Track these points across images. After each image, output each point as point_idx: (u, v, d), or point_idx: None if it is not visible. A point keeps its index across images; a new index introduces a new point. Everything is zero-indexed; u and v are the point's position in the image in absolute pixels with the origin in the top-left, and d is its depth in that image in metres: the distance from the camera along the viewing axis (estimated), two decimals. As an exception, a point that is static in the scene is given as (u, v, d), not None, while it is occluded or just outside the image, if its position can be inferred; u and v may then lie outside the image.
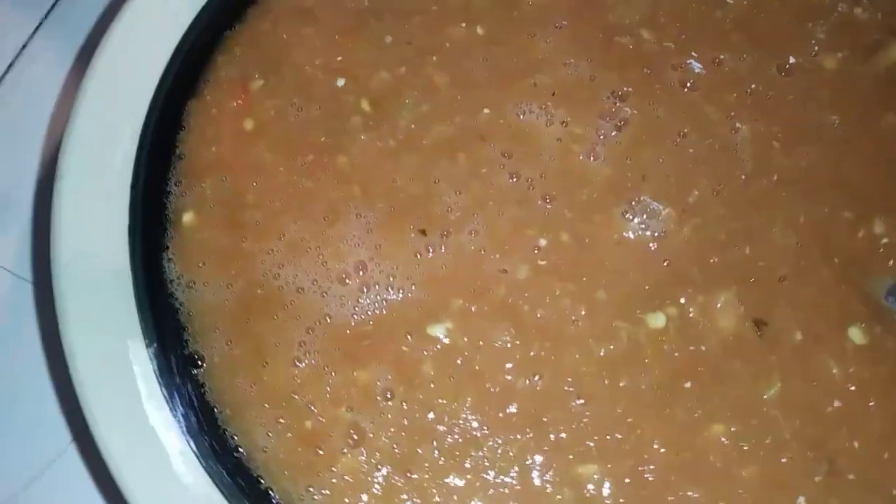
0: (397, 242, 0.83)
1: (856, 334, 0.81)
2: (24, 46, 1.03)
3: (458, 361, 0.80)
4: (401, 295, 0.81)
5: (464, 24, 0.90)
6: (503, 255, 0.83)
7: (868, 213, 0.85)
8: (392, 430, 0.78)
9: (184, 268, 0.82)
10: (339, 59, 0.89)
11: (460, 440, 0.78)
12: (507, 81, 0.88)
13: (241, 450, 0.78)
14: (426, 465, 0.78)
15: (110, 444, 0.74)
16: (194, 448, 0.76)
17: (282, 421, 0.78)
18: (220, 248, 0.83)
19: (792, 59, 0.89)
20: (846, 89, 0.89)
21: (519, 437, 0.78)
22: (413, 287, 0.82)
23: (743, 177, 0.85)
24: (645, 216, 0.84)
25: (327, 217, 0.84)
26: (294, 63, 0.89)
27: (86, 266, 0.78)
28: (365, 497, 0.77)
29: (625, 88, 0.88)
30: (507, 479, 0.77)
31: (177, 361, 0.79)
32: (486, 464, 0.78)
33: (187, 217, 0.84)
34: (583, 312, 0.81)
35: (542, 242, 0.83)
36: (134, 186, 0.82)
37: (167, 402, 0.77)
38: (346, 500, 0.77)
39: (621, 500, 0.77)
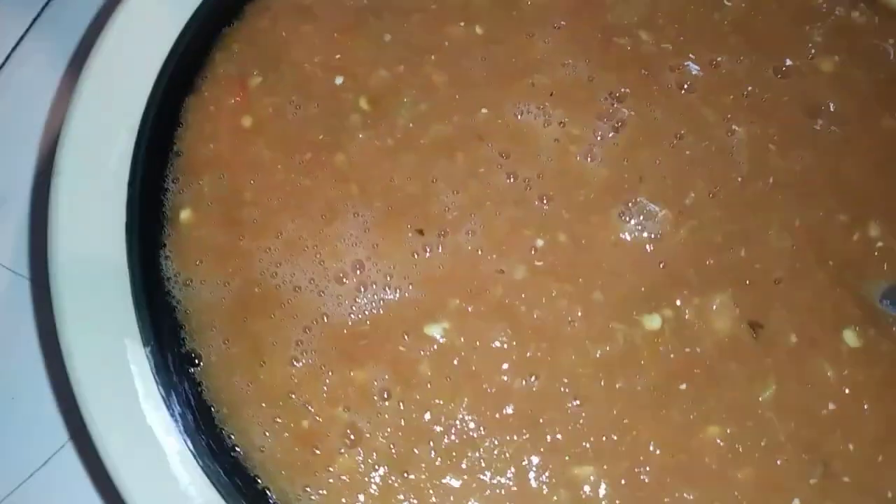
0: (395, 242, 0.83)
1: (850, 337, 0.82)
2: (18, 42, 1.02)
3: (455, 362, 0.80)
4: (398, 294, 0.82)
5: (463, 24, 0.90)
6: (500, 256, 0.83)
7: (863, 217, 0.85)
8: (389, 430, 0.78)
9: (181, 265, 0.82)
10: (338, 56, 0.89)
11: (457, 441, 0.78)
12: (505, 81, 0.88)
13: (238, 449, 0.78)
14: (423, 465, 0.78)
15: (107, 443, 0.74)
16: (191, 447, 0.76)
17: (279, 420, 0.78)
18: (217, 245, 0.83)
19: (789, 62, 0.90)
20: (843, 92, 0.89)
21: (515, 437, 0.78)
22: (410, 287, 0.82)
23: (739, 179, 0.86)
24: (642, 217, 0.84)
25: (325, 215, 0.84)
26: (293, 60, 0.89)
27: (83, 264, 0.78)
28: (362, 497, 0.77)
29: (622, 90, 0.88)
30: (504, 480, 0.77)
31: (174, 360, 0.79)
32: (483, 464, 0.78)
33: (185, 214, 0.84)
34: (579, 313, 0.81)
35: (539, 243, 0.83)
36: (131, 183, 0.82)
37: (164, 400, 0.77)
38: (343, 501, 0.77)
39: (617, 502, 0.77)
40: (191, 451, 0.76)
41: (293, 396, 0.79)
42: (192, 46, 0.87)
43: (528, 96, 0.88)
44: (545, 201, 0.84)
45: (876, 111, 0.89)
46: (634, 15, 0.91)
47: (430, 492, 0.77)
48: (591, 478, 0.77)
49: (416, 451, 0.78)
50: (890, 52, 0.91)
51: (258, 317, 0.81)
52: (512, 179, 0.85)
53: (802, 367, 0.81)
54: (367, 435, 0.78)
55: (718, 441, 0.78)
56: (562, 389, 0.79)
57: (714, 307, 0.82)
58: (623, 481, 0.78)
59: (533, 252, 0.83)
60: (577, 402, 0.79)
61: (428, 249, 0.83)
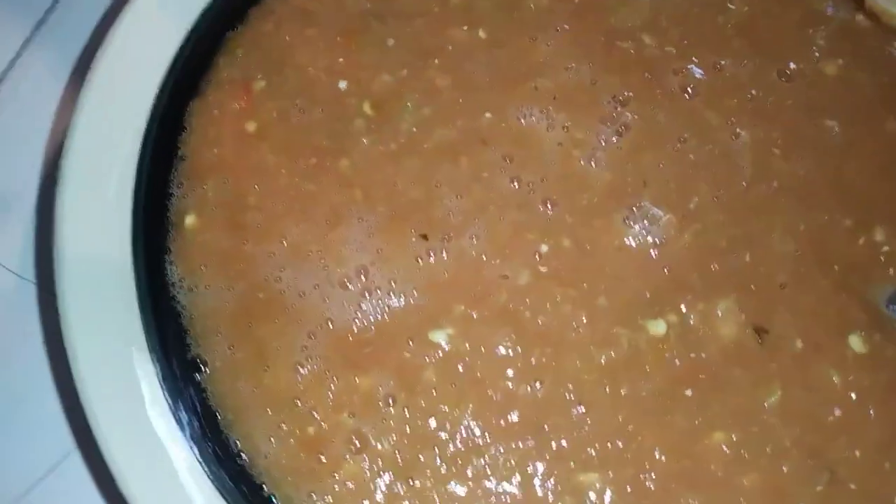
0: (399, 247, 0.83)
1: (856, 342, 0.82)
2: (24, 46, 1.02)
3: (460, 368, 0.80)
4: (402, 300, 0.81)
5: (466, 27, 0.90)
6: (504, 261, 0.83)
7: (868, 221, 0.85)
8: (394, 436, 0.78)
9: (185, 271, 0.82)
10: (342, 61, 0.89)
11: (462, 447, 0.78)
12: (508, 85, 0.88)
13: (243, 455, 0.78)
14: (428, 472, 0.78)
15: (113, 449, 0.74)
16: (197, 454, 0.76)
17: (284, 426, 0.78)
18: (221, 250, 0.83)
19: (793, 65, 0.90)
20: (847, 96, 0.89)
21: (520, 444, 0.78)
22: (414, 292, 0.82)
23: (743, 183, 0.86)
24: (645, 222, 0.84)
25: (329, 220, 0.83)
26: (296, 65, 0.89)
27: (88, 269, 0.78)
28: (367, 503, 0.77)
29: (626, 93, 0.88)
30: (509, 487, 0.77)
31: (179, 366, 0.79)
32: (488, 471, 0.78)
33: (189, 219, 0.84)
34: (584, 319, 0.81)
35: (543, 248, 0.83)
36: (136, 189, 0.82)
37: (170, 406, 0.77)
38: (348, 507, 0.77)
39: (622, 509, 0.78)
40: (196, 458, 0.76)
41: (298, 402, 0.79)
42: (196, 51, 0.87)
43: (532, 100, 0.87)
44: (549, 205, 0.84)
45: (880, 114, 0.89)
46: (638, 18, 0.91)
47: (435, 498, 0.77)
48: (597, 484, 0.77)
49: (421, 457, 0.78)
50: (894, 55, 0.91)
51: (263, 322, 0.81)
52: (515, 184, 0.85)
53: (808, 373, 0.81)
54: (373, 441, 0.78)
55: (723, 447, 0.78)
56: (566, 396, 0.79)
57: (719, 312, 0.82)
58: (628, 488, 0.78)
59: (537, 257, 0.83)
60: (582, 408, 0.79)
61: (432, 254, 0.82)
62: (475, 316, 0.81)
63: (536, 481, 0.78)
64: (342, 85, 0.88)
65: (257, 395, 0.79)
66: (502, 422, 0.79)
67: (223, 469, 0.77)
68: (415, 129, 0.87)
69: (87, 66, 0.84)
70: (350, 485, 0.77)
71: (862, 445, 0.79)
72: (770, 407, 0.80)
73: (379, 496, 0.77)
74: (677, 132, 0.87)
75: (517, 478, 0.78)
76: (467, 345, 0.81)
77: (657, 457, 0.78)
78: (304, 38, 0.90)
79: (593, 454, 0.78)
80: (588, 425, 0.79)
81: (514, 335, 0.81)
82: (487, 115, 0.87)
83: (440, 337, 0.81)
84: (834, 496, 0.78)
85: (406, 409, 0.79)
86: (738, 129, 0.87)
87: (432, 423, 0.79)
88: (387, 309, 0.81)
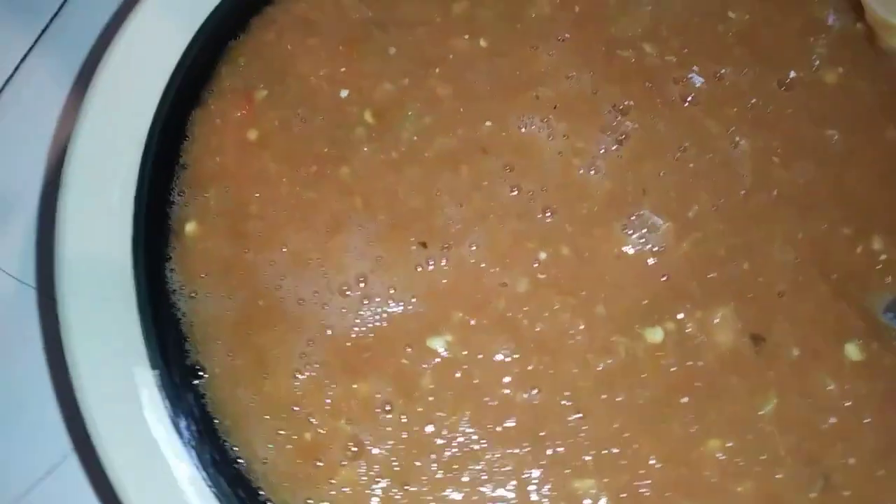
0: (398, 255, 0.83)
1: (853, 350, 0.82)
2: (25, 55, 1.03)
3: (458, 374, 0.80)
4: (401, 307, 0.82)
5: (467, 36, 0.90)
6: (503, 269, 0.83)
7: (867, 230, 0.85)
8: (391, 442, 0.79)
9: (186, 278, 0.83)
10: (343, 70, 0.89)
11: (458, 453, 0.78)
12: (509, 94, 0.88)
13: (240, 461, 0.79)
14: (424, 478, 0.78)
15: (111, 454, 0.75)
16: (195, 458, 0.77)
17: (282, 432, 0.79)
18: (222, 258, 0.84)
19: (793, 74, 0.90)
20: (846, 104, 0.89)
21: (517, 450, 0.79)
22: (413, 299, 0.82)
23: (742, 192, 0.86)
24: (645, 230, 0.84)
25: (329, 228, 0.84)
26: (298, 73, 0.89)
27: (89, 276, 0.79)
28: (364, 509, 0.78)
29: (626, 102, 0.88)
30: (505, 493, 0.78)
31: (178, 372, 0.80)
32: (484, 477, 0.78)
33: (190, 227, 0.84)
34: (581, 327, 0.82)
35: (542, 256, 0.83)
36: (138, 195, 0.82)
37: (168, 412, 0.77)
38: (345, 513, 0.78)
39: (617, 515, 0.78)
40: (194, 463, 0.77)
41: (296, 409, 0.79)
42: (198, 60, 0.88)
43: (532, 109, 0.88)
44: (548, 214, 0.84)
45: (880, 123, 0.89)
46: (638, 27, 0.91)
47: (432, 504, 0.78)
48: (592, 491, 0.78)
49: (417, 463, 0.78)
50: (893, 62, 0.91)
51: (262, 329, 0.82)
52: (515, 192, 0.85)
53: (804, 381, 0.81)
54: (370, 447, 0.79)
55: (719, 454, 0.79)
56: (563, 402, 0.80)
57: (716, 320, 0.82)
58: (623, 495, 0.78)
59: (536, 265, 0.83)
60: (579, 415, 0.80)
61: (431, 262, 0.83)
62: (473, 323, 0.82)
63: (532, 487, 0.78)
64: (343, 93, 0.88)
65: (256, 402, 0.80)
66: (499, 428, 0.79)
67: (221, 474, 0.77)
68: (415, 138, 0.87)
69: (90, 74, 0.84)
70: (347, 490, 0.78)
71: (857, 453, 0.79)
72: (766, 415, 0.80)
73: (375, 501, 0.78)
74: (677, 141, 0.87)
75: (513, 484, 0.78)
76: (465, 352, 0.81)
77: (653, 464, 0.78)
78: (305, 47, 0.90)
79: (589, 461, 0.78)
80: (584, 432, 0.79)
81: (512, 342, 0.81)
82: (488, 123, 0.87)
83: (438, 344, 0.81)
84: (828, 503, 0.78)
85: (403, 416, 0.79)
86: (737, 138, 0.87)
87: (429, 429, 0.79)
88: (385, 316, 0.82)
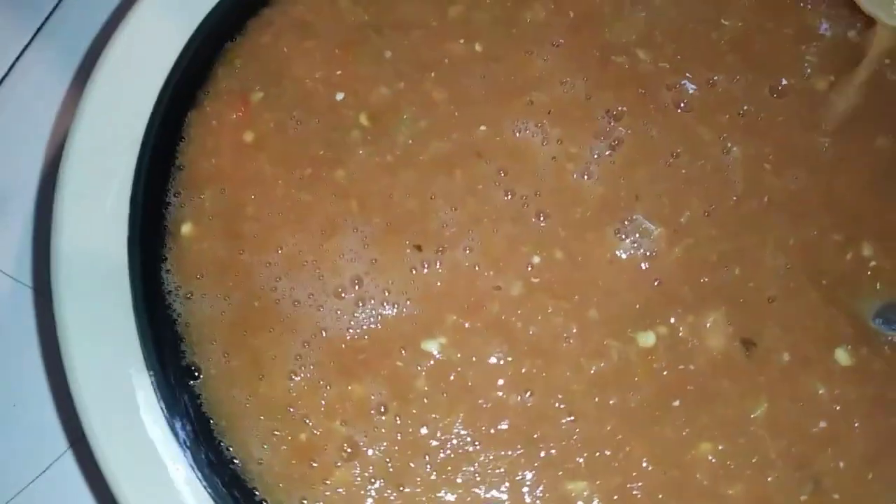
0: (393, 257, 0.84)
1: (842, 356, 0.82)
2: (23, 51, 1.03)
3: (452, 377, 0.81)
4: (396, 310, 0.82)
5: (462, 41, 0.90)
6: (497, 272, 0.84)
7: (857, 236, 0.86)
8: (385, 444, 0.79)
9: (182, 279, 0.83)
10: (339, 72, 0.90)
11: (452, 455, 0.79)
12: (504, 99, 0.89)
13: (236, 461, 0.79)
14: (418, 479, 0.79)
15: (107, 454, 0.75)
16: (190, 459, 0.77)
17: (277, 433, 0.79)
18: (218, 259, 0.84)
19: (784, 81, 0.90)
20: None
21: (510, 452, 0.79)
22: (408, 302, 0.83)
23: (734, 198, 0.86)
24: (637, 235, 0.85)
25: (325, 231, 0.84)
26: (294, 76, 0.89)
27: (85, 276, 0.79)
28: (358, 510, 0.78)
29: (620, 108, 0.88)
30: (498, 495, 0.78)
31: (174, 372, 0.80)
32: (478, 479, 0.79)
33: (186, 228, 0.85)
34: (574, 330, 0.82)
35: (536, 260, 0.84)
36: (134, 196, 0.82)
37: (164, 413, 0.78)
38: (340, 513, 0.78)
39: (609, 517, 0.78)
40: (189, 463, 0.77)
41: (291, 410, 0.80)
42: (194, 61, 0.88)
43: (527, 114, 0.88)
44: (542, 218, 0.85)
45: (870, 130, 0.89)
46: (633, 33, 0.91)
47: (426, 505, 0.78)
48: (585, 493, 0.78)
49: (411, 465, 0.79)
50: (885, 71, 0.91)
51: (258, 331, 0.82)
52: (509, 196, 0.85)
53: (795, 385, 0.82)
54: (364, 448, 0.79)
55: (710, 457, 0.79)
56: (556, 405, 0.80)
57: (708, 325, 0.82)
58: (615, 497, 0.79)
59: (529, 269, 0.84)
60: (571, 417, 0.80)
61: (426, 265, 0.83)
62: (468, 326, 0.82)
63: (525, 489, 0.79)
64: (339, 96, 0.89)
65: (251, 403, 0.80)
66: (492, 430, 0.80)
67: (216, 474, 0.78)
68: (411, 142, 0.87)
69: (87, 71, 0.85)
70: (341, 491, 0.78)
71: (847, 457, 0.80)
72: (757, 418, 0.80)
73: (370, 502, 0.78)
74: (670, 147, 0.88)
75: (506, 485, 0.79)
76: (459, 354, 0.81)
77: (645, 466, 0.79)
78: (302, 50, 0.90)
79: (581, 463, 0.79)
80: (577, 434, 0.80)
81: (505, 345, 0.82)
82: (483, 128, 0.88)
83: (433, 346, 0.82)
84: (818, 507, 0.79)
85: (397, 417, 0.80)
86: (729, 144, 0.88)
87: (423, 430, 0.80)
88: (380, 318, 0.82)
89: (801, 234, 0.86)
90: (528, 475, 0.79)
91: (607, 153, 0.87)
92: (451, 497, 0.78)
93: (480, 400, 0.80)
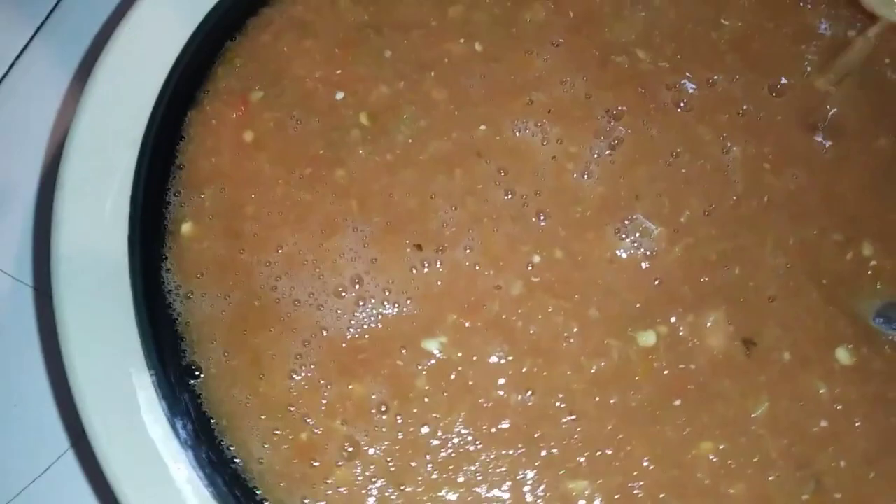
0: (393, 257, 0.84)
1: (843, 355, 0.82)
2: (23, 50, 1.03)
3: (452, 376, 0.81)
4: (396, 309, 0.82)
5: (462, 40, 0.91)
6: (497, 271, 0.84)
7: (857, 236, 0.86)
8: (386, 443, 0.79)
9: (182, 278, 0.83)
10: (339, 72, 0.90)
11: (453, 454, 0.79)
12: (504, 98, 0.89)
13: (237, 460, 0.79)
14: (419, 478, 0.79)
15: (108, 454, 0.75)
16: (191, 458, 0.77)
17: (278, 432, 0.79)
18: (218, 259, 0.84)
19: (784, 81, 0.90)
20: (837, 111, 0.90)
21: (511, 452, 0.79)
22: (408, 301, 0.82)
23: (734, 197, 0.86)
24: (637, 235, 0.85)
25: (325, 230, 0.84)
26: (294, 75, 0.90)
27: (86, 276, 0.79)
28: (359, 509, 0.78)
29: (619, 107, 0.88)
30: (499, 494, 0.78)
31: (174, 372, 0.80)
32: (479, 478, 0.79)
33: (186, 227, 0.84)
34: (575, 329, 0.82)
35: (536, 259, 0.84)
36: (134, 196, 0.82)
37: (165, 412, 0.78)
38: (341, 513, 0.78)
39: (611, 517, 0.78)
40: (190, 463, 0.77)
41: (292, 409, 0.80)
42: (194, 60, 0.88)
43: (527, 113, 0.88)
44: (542, 218, 0.85)
45: (871, 130, 0.89)
46: (632, 33, 0.91)
47: (427, 504, 0.78)
48: (586, 492, 0.78)
49: (412, 464, 0.79)
50: (885, 71, 0.91)
51: (258, 330, 0.82)
52: (509, 196, 0.85)
53: (795, 385, 0.82)
54: (365, 448, 0.79)
55: (711, 457, 0.79)
56: (557, 404, 0.80)
57: (708, 324, 0.82)
58: (617, 496, 0.78)
59: (529, 268, 0.84)
60: (572, 417, 0.80)
61: (426, 265, 0.83)
62: (468, 325, 0.82)
63: (526, 488, 0.79)
64: (339, 96, 0.89)
65: (252, 402, 0.80)
66: (493, 429, 0.80)
67: (217, 474, 0.78)
68: (410, 141, 0.87)
69: (88, 68, 0.85)
70: (342, 490, 0.78)
71: (848, 456, 0.80)
72: (757, 418, 0.80)
73: (371, 502, 0.78)
74: (670, 147, 0.88)
75: (507, 485, 0.79)
76: (460, 353, 0.81)
77: (646, 466, 0.79)
78: (301, 50, 0.90)
79: (582, 462, 0.79)
80: (578, 434, 0.80)
81: (506, 345, 0.82)
82: (483, 127, 0.88)
83: (433, 345, 0.81)
84: (819, 505, 0.79)
85: (398, 417, 0.80)
86: (729, 144, 0.88)
87: (424, 430, 0.79)
88: (380, 317, 0.82)
89: (801, 233, 0.86)
90: (530, 474, 0.79)
91: (607, 153, 0.87)
92: (452, 496, 0.78)
93: (481, 399, 0.80)
